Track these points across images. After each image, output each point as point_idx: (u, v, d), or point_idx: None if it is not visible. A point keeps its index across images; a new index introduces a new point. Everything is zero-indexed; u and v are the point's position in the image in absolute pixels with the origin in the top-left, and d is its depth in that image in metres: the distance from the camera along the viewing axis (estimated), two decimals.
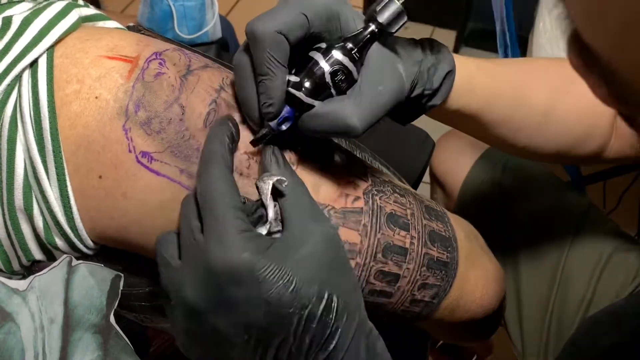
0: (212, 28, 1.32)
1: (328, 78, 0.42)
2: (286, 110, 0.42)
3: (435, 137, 1.05)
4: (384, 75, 0.43)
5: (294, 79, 0.42)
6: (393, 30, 0.42)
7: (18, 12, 0.43)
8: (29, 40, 0.41)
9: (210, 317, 0.37)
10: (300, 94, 0.42)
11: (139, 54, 0.42)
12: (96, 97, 0.40)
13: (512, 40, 0.97)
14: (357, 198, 0.47)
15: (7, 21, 0.42)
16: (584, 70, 0.25)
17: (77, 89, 0.40)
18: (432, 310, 0.52)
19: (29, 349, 0.38)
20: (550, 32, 1.11)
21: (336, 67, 0.42)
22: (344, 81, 0.42)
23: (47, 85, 0.40)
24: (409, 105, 0.49)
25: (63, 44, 0.42)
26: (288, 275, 0.36)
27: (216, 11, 1.43)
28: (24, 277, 0.45)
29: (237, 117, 0.44)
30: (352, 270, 0.41)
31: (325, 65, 0.41)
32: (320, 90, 0.42)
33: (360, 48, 0.42)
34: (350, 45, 0.42)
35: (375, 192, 0.49)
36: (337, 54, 0.41)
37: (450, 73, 0.48)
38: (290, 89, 0.42)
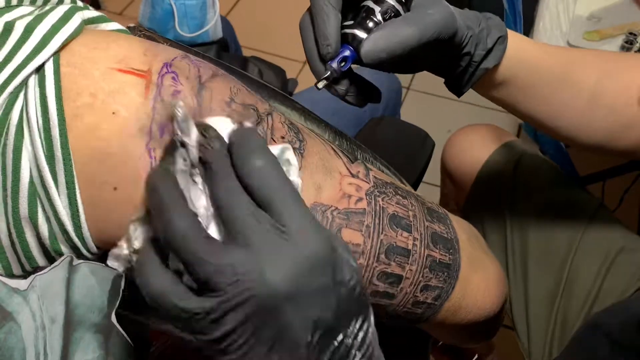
0: (213, 27, 1.32)
1: (379, 17, 0.47)
2: (343, 49, 0.47)
3: (435, 137, 1.05)
4: (433, 5, 0.47)
5: (348, 23, 0.47)
6: None
7: (17, 16, 0.43)
8: (33, 46, 0.41)
9: (287, 311, 0.34)
10: (355, 31, 0.47)
11: (150, 67, 0.42)
12: (113, 113, 0.40)
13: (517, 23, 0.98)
14: (359, 199, 0.47)
15: (9, 27, 0.42)
16: None
17: (90, 102, 0.40)
18: (434, 312, 0.52)
19: (29, 348, 0.38)
20: (550, 32, 1.11)
21: (386, 6, 0.47)
22: (393, 17, 0.47)
23: (56, 93, 0.40)
24: (461, 63, 0.51)
25: (69, 51, 0.42)
26: (354, 275, 0.36)
27: (217, 10, 1.43)
28: (24, 276, 0.45)
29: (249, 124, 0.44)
30: None
31: (375, 7, 0.47)
32: (373, 28, 0.47)
33: None
34: None
35: (378, 194, 0.49)
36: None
37: (502, 38, 0.51)
38: (347, 30, 0.47)
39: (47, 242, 0.42)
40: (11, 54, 0.41)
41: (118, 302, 0.42)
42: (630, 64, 0.58)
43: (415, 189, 0.85)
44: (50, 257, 0.43)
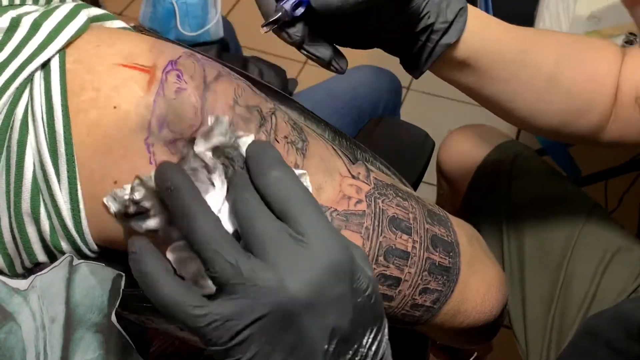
0: (214, 26, 1.32)
1: None
2: None
3: (435, 137, 1.05)
4: None
5: None
6: None
7: (24, 12, 0.43)
8: (39, 42, 0.41)
9: (305, 319, 0.34)
10: None
11: (154, 63, 0.42)
12: (115, 107, 0.40)
13: None
14: (359, 201, 0.47)
15: (15, 22, 0.42)
16: None
17: (94, 96, 0.40)
18: (433, 315, 0.52)
19: (30, 348, 0.38)
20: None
21: None
22: None
23: (61, 89, 0.40)
24: (421, 38, 0.49)
25: (75, 48, 0.42)
26: (370, 283, 0.36)
27: (219, 9, 1.43)
28: (24, 276, 0.45)
29: (252, 127, 0.44)
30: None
31: None
32: None
33: None
34: None
35: (378, 196, 0.49)
36: None
37: (463, 10, 0.48)
38: None
39: (48, 237, 0.42)
40: (17, 50, 0.41)
41: (118, 302, 0.42)
42: (587, 48, 0.57)
43: (415, 189, 0.85)
44: (51, 254, 0.43)
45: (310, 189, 0.39)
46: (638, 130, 0.59)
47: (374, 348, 0.37)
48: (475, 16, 0.50)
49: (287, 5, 0.42)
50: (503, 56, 0.52)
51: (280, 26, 0.43)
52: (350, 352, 0.36)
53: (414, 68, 0.52)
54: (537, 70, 0.55)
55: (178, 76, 0.43)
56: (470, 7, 0.49)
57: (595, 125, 0.59)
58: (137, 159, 0.40)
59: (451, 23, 0.47)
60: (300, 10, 0.42)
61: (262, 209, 0.35)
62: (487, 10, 1.09)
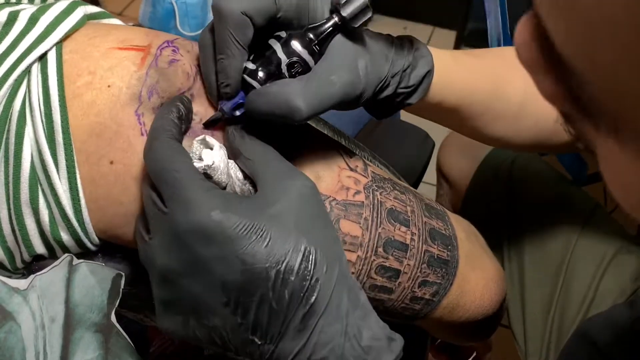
0: None
1: (285, 69, 0.41)
2: (240, 96, 0.42)
3: (435, 137, 1.05)
4: (340, 67, 0.41)
5: (251, 66, 0.41)
6: (356, 25, 0.41)
7: (21, 8, 0.44)
8: (36, 35, 0.42)
9: (186, 282, 0.36)
10: (254, 82, 0.41)
11: (150, 42, 0.43)
12: (108, 86, 0.41)
13: (506, 41, 0.97)
14: (357, 192, 0.47)
15: (13, 17, 0.43)
16: (537, 67, 0.23)
17: (89, 80, 0.41)
18: (432, 309, 0.52)
19: (29, 348, 0.38)
20: None
21: (294, 59, 0.41)
22: (300, 73, 0.41)
23: (58, 78, 0.41)
24: (382, 105, 0.48)
25: (72, 40, 0.43)
26: (262, 230, 0.35)
27: None
28: (24, 276, 0.45)
29: None
30: (330, 223, 0.40)
31: (282, 57, 0.41)
32: (275, 80, 0.41)
33: (321, 40, 0.41)
34: (311, 35, 0.41)
35: (376, 188, 0.49)
36: (296, 45, 0.41)
37: (429, 72, 0.47)
38: (245, 77, 0.41)
39: (47, 228, 0.42)
40: (15, 43, 0.42)
41: (118, 301, 0.42)
42: None
43: (415, 189, 0.85)
44: (50, 247, 0.43)
45: (216, 144, 0.40)
46: None
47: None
48: (441, 64, 0.48)
49: (226, 108, 0.42)
50: (471, 98, 0.52)
51: (225, 120, 0.43)
52: (270, 294, 0.36)
53: (375, 113, 0.51)
54: (507, 101, 0.55)
55: (174, 50, 0.43)
56: (435, 52, 0.48)
57: (569, 139, 0.59)
58: (129, 132, 0.40)
59: (416, 87, 0.47)
60: (240, 112, 0.42)
61: (149, 183, 0.38)
62: (501, 12, 1.07)
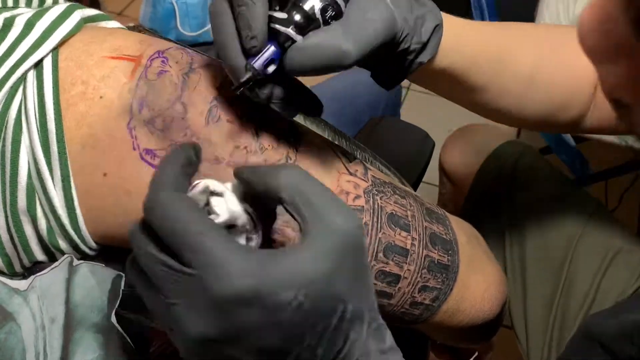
0: None
1: (318, 14, 0.38)
2: (272, 51, 0.38)
3: (435, 137, 1.05)
4: (372, 5, 0.40)
5: (279, 15, 0.38)
6: None
7: (17, 14, 0.43)
8: (32, 41, 0.42)
9: (225, 348, 0.34)
10: (288, 31, 0.38)
11: (142, 52, 0.43)
12: (101, 97, 0.41)
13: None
14: (357, 197, 0.47)
15: (9, 22, 0.42)
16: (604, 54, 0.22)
17: (82, 90, 0.41)
18: (432, 314, 0.52)
19: (30, 348, 0.38)
20: None
21: (327, 1, 0.38)
22: (334, 17, 0.39)
23: (53, 87, 0.41)
24: (394, 66, 0.47)
25: (68, 46, 0.43)
26: (300, 293, 0.32)
27: None
28: (24, 277, 0.45)
29: (239, 113, 0.44)
30: (368, 269, 0.37)
31: (315, 0, 0.38)
32: (309, 28, 0.38)
33: None
34: None
35: (376, 192, 0.49)
36: None
37: (438, 27, 0.46)
38: (277, 26, 0.38)
39: (45, 236, 0.42)
40: (11, 49, 0.41)
41: (118, 302, 0.42)
42: (566, 41, 0.56)
43: (415, 189, 0.85)
44: (49, 253, 0.43)
45: (226, 190, 0.37)
46: (615, 117, 0.59)
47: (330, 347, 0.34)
48: (451, 26, 0.48)
49: (258, 65, 0.38)
50: (480, 63, 0.51)
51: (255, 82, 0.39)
52: (305, 354, 0.34)
53: (387, 81, 0.50)
54: (516, 73, 0.54)
55: (163, 62, 0.43)
56: (445, 16, 0.47)
57: (576, 116, 0.59)
58: (122, 146, 0.40)
59: (426, 43, 0.45)
60: (272, 68, 0.38)
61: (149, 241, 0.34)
62: (486, 10, 1.08)
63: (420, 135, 1.02)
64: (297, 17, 0.38)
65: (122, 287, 0.43)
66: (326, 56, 0.38)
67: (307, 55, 0.38)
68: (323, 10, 0.38)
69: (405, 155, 0.99)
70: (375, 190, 0.49)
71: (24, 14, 0.43)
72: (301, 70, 0.38)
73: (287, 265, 0.33)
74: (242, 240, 0.37)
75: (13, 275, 0.45)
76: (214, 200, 0.36)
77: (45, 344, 0.38)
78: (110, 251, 0.45)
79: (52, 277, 0.40)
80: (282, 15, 0.38)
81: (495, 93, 0.54)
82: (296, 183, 0.35)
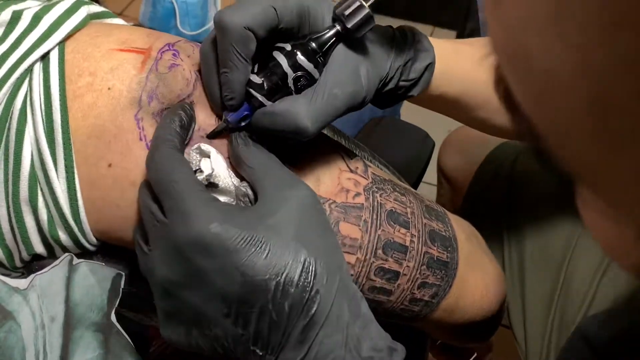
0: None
1: (291, 83, 0.41)
2: (245, 107, 0.42)
3: (435, 137, 1.05)
4: (343, 78, 0.42)
5: (255, 79, 0.41)
6: (359, 35, 0.41)
7: (25, 7, 0.44)
8: (39, 34, 0.42)
9: (187, 294, 0.36)
10: (260, 97, 0.41)
11: (151, 45, 0.43)
12: (109, 88, 0.41)
13: None
14: (357, 194, 0.47)
15: (17, 16, 0.43)
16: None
17: (90, 81, 0.41)
18: (431, 310, 0.52)
19: (29, 347, 0.38)
20: None
21: (299, 73, 0.41)
22: (305, 86, 0.42)
23: (59, 78, 0.41)
24: (385, 97, 0.48)
25: (74, 40, 0.43)
26: (261, 242, 0.35)
27: (219, 8, 1.43)
28: (24, 275, 0.45)
29: None
30: (331, 231, 0.40)
31: (289, 71, 0.41)
32: (279, 94, 0.42)
33: (324, 50, 0.42)
34: (314, 45, 0.41)
35: (376, 190, 0.49)
36: (301, 59, 0.41)
37: (430, 65, 0.47)
38: (251, 90, 0.41)
39: (45, 227, 0.42)
40: (18, 42, 0.42)
41: (118, 301, 0.42)
42: None
43: (415, 189, 0.85)
44: (49, 246, 0.43)
45: (213, 152, 0.41)
46: None
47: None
48: (440, 57, 0.49)
49: (232, 119, 0.42)
50: (472, 87, 0.52)
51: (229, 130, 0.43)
52: (270, 305, 0.36)
53: (380, 104, 0.51)
54: None
55: (174, 55, 0.43)
56: (436, 45, 0.48)
57: None
58: (128, 136, 0.41)
59: (417, 80, 0.47)
60: (245, 122, 0.42)
61: (147, 193, 0.39)
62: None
63: (420, 135, 1.02)
64: (268, 84, 0.41)
65: (122, 286, 0.43)
66: (286, 127, 0.41)
67: (270, 120, 0.41)
68: (295, 81, 0.41)
69: (405, 156, 0.99)
70: (375, 187, 0.49)
71: (31, 7, 0.44)
72: (264, 132, 0.42)
73: (250, 216, 0.37)
74: (222, 199, 0.40)
75: (13, 269, 0.45)
76: (203, 161, 0.40)
77: (45, 342, 0.38)
78: (110, 250, 0.45)
79: (51, 276, 0.40)
80: (257, 79, 0.41)
81: (491, 111, 0.55)
82: (262, 160, 0.41)
